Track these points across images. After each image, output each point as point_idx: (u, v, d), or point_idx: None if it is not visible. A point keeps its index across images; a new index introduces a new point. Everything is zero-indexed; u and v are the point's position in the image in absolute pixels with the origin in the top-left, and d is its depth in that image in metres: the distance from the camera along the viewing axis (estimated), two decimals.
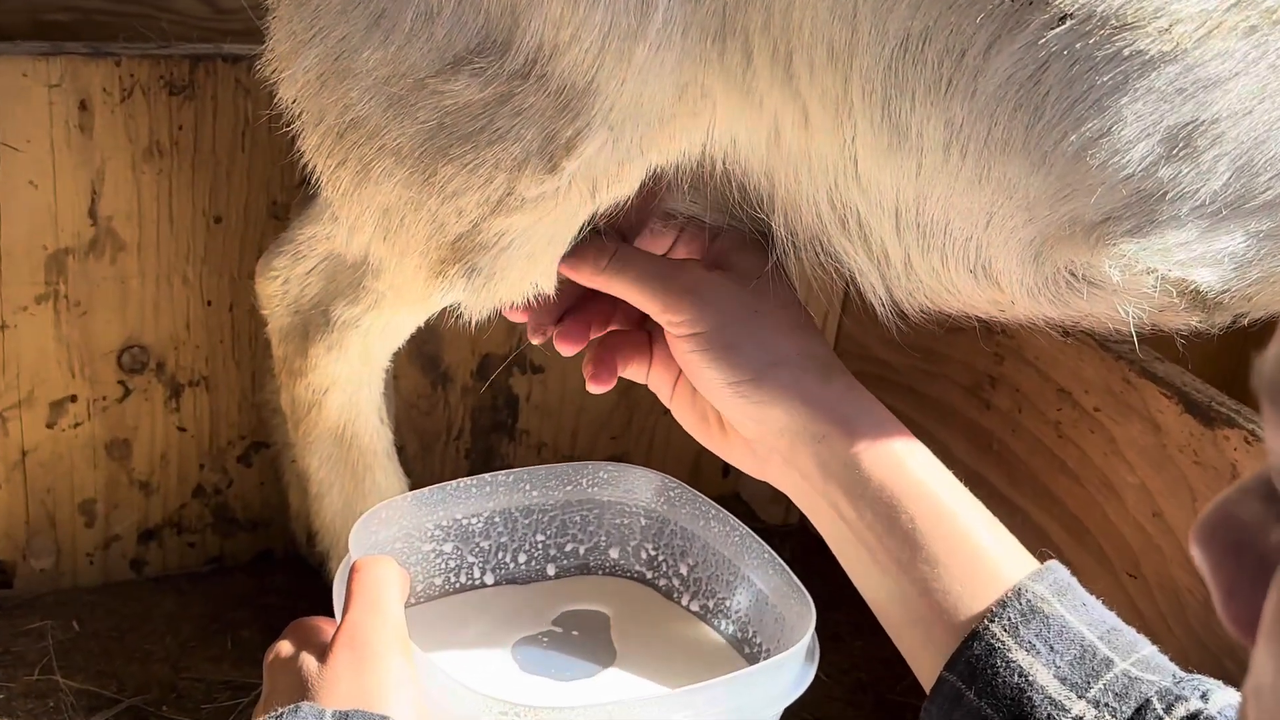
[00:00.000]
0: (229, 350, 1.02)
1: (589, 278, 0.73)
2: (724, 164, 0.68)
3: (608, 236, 0.73)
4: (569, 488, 0.82)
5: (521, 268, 0.71)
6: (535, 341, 0.76)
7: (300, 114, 0.72)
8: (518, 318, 0.77)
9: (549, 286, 0.73)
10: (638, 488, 0.83)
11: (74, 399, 0.99)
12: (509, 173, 0.66)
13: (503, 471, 0.80)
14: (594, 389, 0.75)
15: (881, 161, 0.63)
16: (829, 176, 0.66)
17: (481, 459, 1.14)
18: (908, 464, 0.66)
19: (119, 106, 0.91)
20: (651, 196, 0.73)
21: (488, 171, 0.66)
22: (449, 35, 0.63)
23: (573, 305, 0.77)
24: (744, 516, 1.22)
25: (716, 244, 0.75)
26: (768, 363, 0.68)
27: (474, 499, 0.79)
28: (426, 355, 1.08)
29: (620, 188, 0.68)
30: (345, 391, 0.89)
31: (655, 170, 0.68)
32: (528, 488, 0.81)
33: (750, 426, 0.70)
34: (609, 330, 0.78)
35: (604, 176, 0.67)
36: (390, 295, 0.81)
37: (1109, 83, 0.57)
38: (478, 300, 0.73)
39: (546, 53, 0.62)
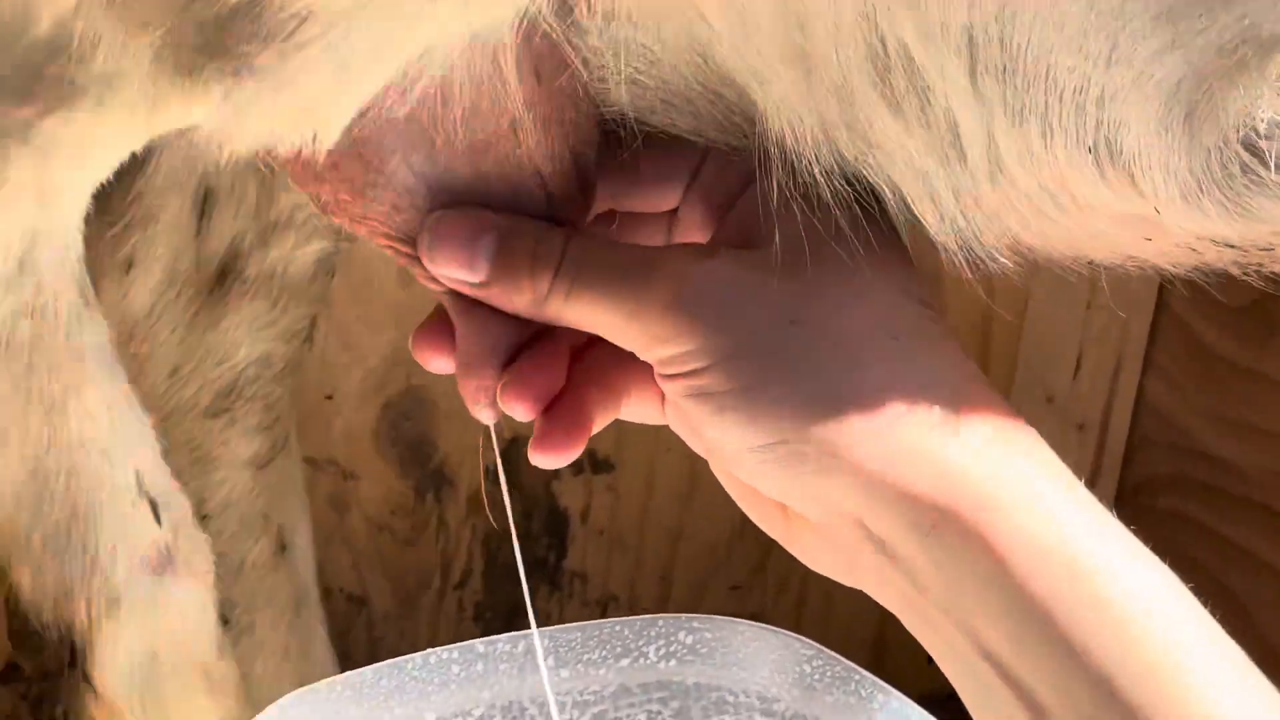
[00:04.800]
0: None
1: (529, 308, 0.73)
2: None
3: (549, 223, 0.72)
4: (626, 660, 0.82)
5: (323, 84, 0.68)
6: (486, 416, 0.75)
7: None
8: (437, 363, 0.75)
9: (328, 137, 0.70)
10: (748, 659, 0.83)
11: None
12: None
13: (505, 635, 0.80)
14: (542, 459, 0.74)
15: None
16: None
17: (502, 620, 1.14)
18: (1098, 575, 0.65)
19: None
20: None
21: None
22: None
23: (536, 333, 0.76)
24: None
25: (747, 196, 0.73)
26: (823, 408, 0.69)
27: (456, 685, 0.79)
28: (407, 439, 1.09)
29: None
30: (7, 255, 0.82)
31: None
32: (551, 662, 0.81)
33: (811, 508, 0.70)
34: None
35: None
36: (98, 91, 0.76)
37: None
38: (238, 124, 0.71)
39: None
